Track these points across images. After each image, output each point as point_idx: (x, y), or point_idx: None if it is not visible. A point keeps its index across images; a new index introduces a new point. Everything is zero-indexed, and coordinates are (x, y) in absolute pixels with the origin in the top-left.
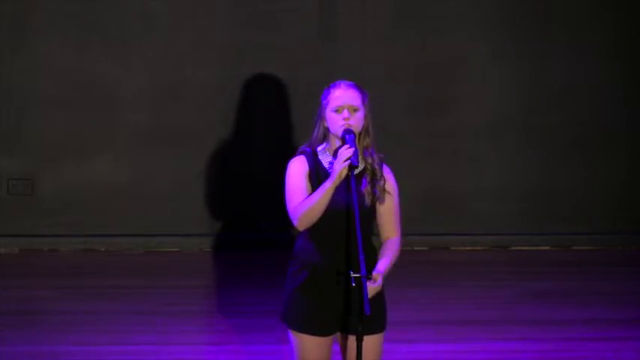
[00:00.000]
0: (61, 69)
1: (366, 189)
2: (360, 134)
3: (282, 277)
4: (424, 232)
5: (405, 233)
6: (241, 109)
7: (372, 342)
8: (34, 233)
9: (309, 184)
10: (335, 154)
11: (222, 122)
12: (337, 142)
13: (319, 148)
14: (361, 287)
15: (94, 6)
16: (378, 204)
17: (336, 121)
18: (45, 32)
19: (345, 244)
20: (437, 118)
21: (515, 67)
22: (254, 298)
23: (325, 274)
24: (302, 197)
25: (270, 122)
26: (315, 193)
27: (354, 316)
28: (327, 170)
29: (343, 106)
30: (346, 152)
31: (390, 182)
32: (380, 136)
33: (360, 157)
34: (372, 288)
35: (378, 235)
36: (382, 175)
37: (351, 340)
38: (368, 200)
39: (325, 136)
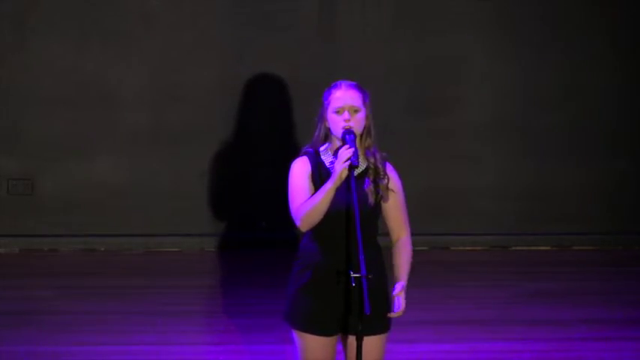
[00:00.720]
0: (61, 69)
1: (369, 188)
2: (361, 134)
3: (282, 277)
4: (424, 232)
5: None
6: (241, 109)
7: (374, 342)
8: (34, 233)
9: (311, 185)
10: (336, 155)
11: (222, 122)
12: (339, 143)
13: (321, 149)
14: (361, 287)
15: (94, 6)
16: (382, 203)
17: (337, 123)
18: (45, 32)
19: (347, 244)
20: (437, 118)
21: (515, 67)
22: (254, 298)
23: (328, 274)
24: (304, 198)
25: (270, 122)
26: (316, 194)
27: (355, 316)
28: (329, 170)
29: (344, 107)
30: (346, 153)
31: (394, 180)
32: (380, 135)
33: (361, 157)
34: (399, 310)
35: (387, 234)
36: (385, 174)
37: (353, 340)
38: (371, 199)
39: (327, 137)
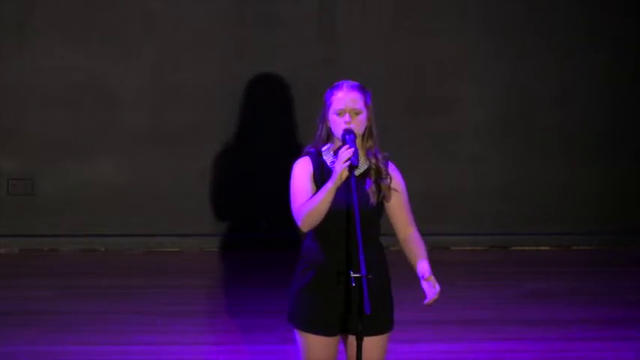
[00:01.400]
0: (61, 69)
1: (371, 188)
2: (362, 135)
3: (283, 277)
4: (424, 232)
5: None
6: (241, 109)
7: (376, 342)
8: (34, 233)
9: (313, 185)
10: (337, 155)
11: (222, 122)
12: (340, 143)
13: (323, 149)
14: (361, 287)
15: (94, 6)
16: (385, 202)
17: (338, 124)
18: (45, 32)
19: (347, 244)
20: (437, 118)
21: (515, 67)
22: (255, 298)
23: (330, 274)
24: (306, 198)
25: (270, 122)
26: (317, 195)
27: (355, 316)
28: (331, 171)
29: (345, 109)
30: (346, 153)
31: (396, 180)
32: (381, 136)
33: (363, 157)
34: (434, 293)
35: (391, 234)
36: (388, 174)
37: (353, 339)
38: (374, 199)
39: (329, 137)
